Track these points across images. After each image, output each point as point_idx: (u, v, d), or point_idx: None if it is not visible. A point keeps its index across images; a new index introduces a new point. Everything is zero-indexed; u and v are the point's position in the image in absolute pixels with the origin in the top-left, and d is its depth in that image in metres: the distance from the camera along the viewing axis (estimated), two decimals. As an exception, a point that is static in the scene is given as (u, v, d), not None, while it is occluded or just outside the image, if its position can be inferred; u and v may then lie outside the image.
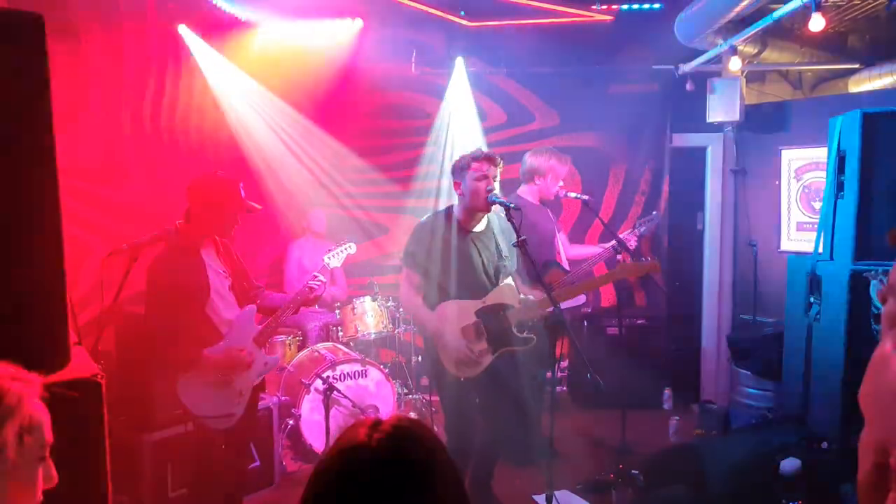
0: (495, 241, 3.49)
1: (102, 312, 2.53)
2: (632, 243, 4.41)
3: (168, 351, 3.02)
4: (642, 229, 4.59)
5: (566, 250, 4.70)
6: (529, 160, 4.52)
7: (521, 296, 3.44)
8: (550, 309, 3.23)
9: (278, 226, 6.26)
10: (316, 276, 3.27)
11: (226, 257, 3.21)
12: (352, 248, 3.58)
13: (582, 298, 4.93)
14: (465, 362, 3.32)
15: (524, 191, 4.55)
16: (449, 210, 3.49)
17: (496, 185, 3.34)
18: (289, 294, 3.37)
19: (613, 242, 4.37)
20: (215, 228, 3.07)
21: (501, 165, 3.40)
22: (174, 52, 5.08)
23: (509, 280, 3.50)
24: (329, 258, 3.47)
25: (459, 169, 3.38)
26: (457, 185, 3.41)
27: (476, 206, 3.35)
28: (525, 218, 3.25)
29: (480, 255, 3.43)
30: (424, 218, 3.53)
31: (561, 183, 4.54)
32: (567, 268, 4.48)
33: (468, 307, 3.36)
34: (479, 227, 3.46)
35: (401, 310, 5.26)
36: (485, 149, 3.50)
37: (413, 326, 5.27)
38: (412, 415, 4.97)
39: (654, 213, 4.90)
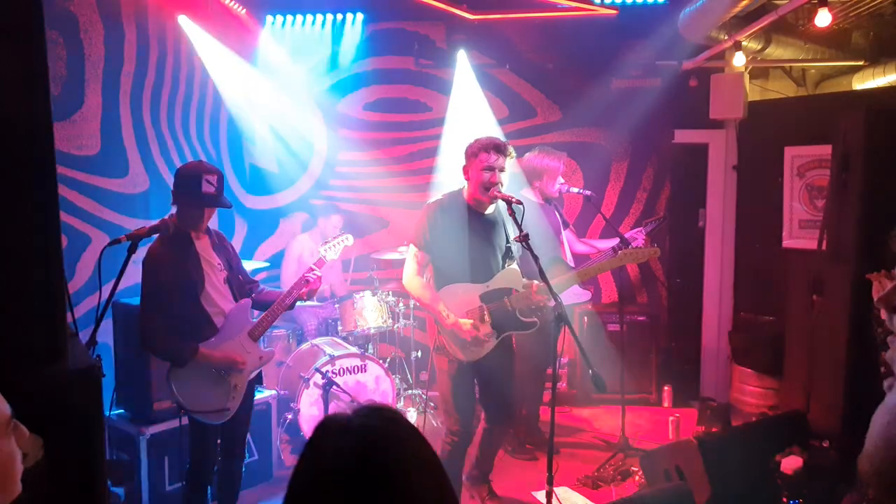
0: (503, 225, 3.48)
1: (101, 304, 2.50)
2: (639, 242, 4.42)
3: (164, 343, 3.01)
4: (649, 228, 4.64)
5: (572, 246, 4.69)
6: (523, 165, 4.49)
7: (525, 280, 3.42)
8: (552, 304, 3.20)
9: (278, 221, 6.25)
10: (312, 269, 3.23)
11: (220, 250, 3.19)
12: (349, 240, 3.53)
13: (587, 294, 4.92)
14: (470, 343, 3.31)
15: (526, 192, 4.53)
16: (461, 192, 3.46)
17: (505, 176, 3.30)
18: (284, 290, 3.35)
19: (618, 241, 4.37)
20: (182, 219, 3.03)
21: (513, 156, 3.36)
22: (175, 42, 5.06)
23: (514, 265, 3.49)
24: (325, 250, 3.42)
25: (469, 155, 3.36)
26: (465, 170, 3.39)
27: (478, 195, 3.34)
28: (528, 215, 3.22)
29: (487, 239, 3.41)
30: (436, 198, 3.49)
31: (561, 179, 4.53)
32: (572, 265, 4.46)
33: (473, 290, 3.36)
34: (489, 211, 3.44)
35: (401, 304, 5.24)
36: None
37: (412, 320, 5.26)
38: (410, 410, 4.96)
39: (663, 214, 4.92)
